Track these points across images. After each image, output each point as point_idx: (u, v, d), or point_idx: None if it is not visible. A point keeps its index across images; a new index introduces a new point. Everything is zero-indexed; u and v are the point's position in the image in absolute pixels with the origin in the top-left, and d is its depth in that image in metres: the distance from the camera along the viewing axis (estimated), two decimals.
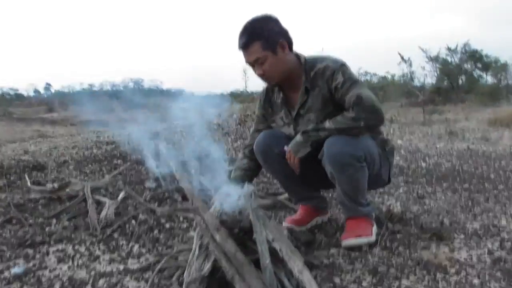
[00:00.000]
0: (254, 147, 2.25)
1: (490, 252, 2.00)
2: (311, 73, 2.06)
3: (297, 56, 2.12)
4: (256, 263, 1.52)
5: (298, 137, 2.04)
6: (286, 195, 2.81)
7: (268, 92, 2.27)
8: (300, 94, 2.09)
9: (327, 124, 1.99)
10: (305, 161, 2.08)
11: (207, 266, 1.52)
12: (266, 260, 1.54)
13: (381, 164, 2.17)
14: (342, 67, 2.02)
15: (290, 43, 2.06)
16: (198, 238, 1.66)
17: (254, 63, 2.03)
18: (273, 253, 1.60)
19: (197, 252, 1.59)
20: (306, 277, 1.48)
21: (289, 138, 2.12)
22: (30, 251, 2.01)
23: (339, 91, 1.99)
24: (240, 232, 1.73)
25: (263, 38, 1.98)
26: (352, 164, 1.96)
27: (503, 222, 2.41)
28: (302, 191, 2.35)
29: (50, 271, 1.81)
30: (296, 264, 1.53)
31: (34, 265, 1.86)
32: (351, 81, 1.98)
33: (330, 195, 2.97)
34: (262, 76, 2.07)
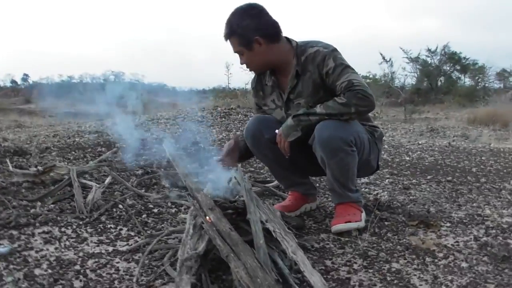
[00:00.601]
0: (244, 131, 2.25)
1: (476, 239, 2.04)
2: (302, 58, 2.06)
3: (289, 40, 2.13)
4: (249, 244, 1.51)
5: (289, 121, 2.05)
6: (274, 183, 2.81)
7: (259, 76, 2.27)
8: (290, 78, 2.11)
9: (318, 109, 2.00)
10: (295, 146, 2.09)
11: (202, 246, 1.50)
12: (260, 240, 1.54)
13: (371, 150, 2.19)
14: (333, 52, 2.02)
15: (271, 36, 2.06)
16: (191, 218, 1.65)
17: (236, 53, 2.10)
18: (265, 235, 1.60)
19: (191, 231, 1.57)
20: (299, 257, 1.49)
21: (281, 123, 2.12)
22: (14, 233, 1.95)
23: (330, 76, 2.00)
24: (233, 213, 1.72)
25: (237, 34, 2.03)
26: (342, 148, 1.97)
27: (487, 211, 2.47)
28: (291, 176, 2.35)
29: (36, 252, 1.76)
30: (289, 244, 1.54)
31: (19, 246, 1.81)
32: (342, 66, 1.99)
33: (318, 184, 2.99)
34: (245, 65, 2.13)
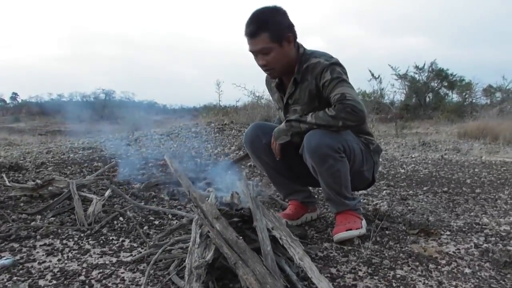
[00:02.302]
0: (243, 138, 2.31)
1: (477, 246, 2.06)
2: (304, 66, 2.09)
3: (298, 46, 2.15)
4: (256, 252, 1.51)
5: (282, 125, 2.11)
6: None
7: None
8: (290, 84, 2.15)
9: (309, 118, 2.03)
10: (292, 154, 2.13)
11: (210, 254, 1.50)
12: (267, 247, 1.54)
13: (364, 161, 2.20)
14: (332, 65, 2.03)
15: (296, 37, 2.10)
16: (197, 227, 1.65)
17: (258, 53, 2.05)
18: (271, 243, 1.60)
19: (198, 240, 1.57)
20: (307, 263, 1.49)
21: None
22: (15, 245, 1.93)
23: (326, 88, 2.03)
24: (239, 221, 1.72)
25: (271, 29, 2.00)
26: (330, 155, 1.99)
27: (485, 220, 2.50)
28: (289, 184, 2.37)
29: (39, 264, 1.74)
30: (296, 251, 1.54)
31: (21, 258, 1.79)
32: (338, 80, 2.00)
33: (316, 196, 3.00)
34: (264, 66, 2.09)
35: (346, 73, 2.06)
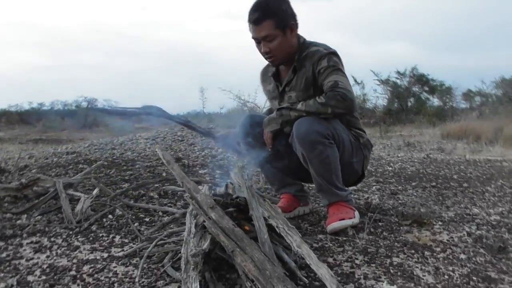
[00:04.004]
0: (237, 128, 2.29)
1: (470, 234, 2.07)
2: (303, 54, 2.11)
3: (298, 37, 2.17)
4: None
5: (273, 113, 2.10)
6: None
7: (268, 66, 2.35)
8: (289, 72, 2.15)
9: (299, 105, 2.03)
10: (283, 146, 2.11)
11: (206, 243, 1.47)
12: (264, 235, 1.52)
13: (353, 153, 2.19)
14: (330, 54, 2.07)
15: (297, 25, 2.13)
16: (192, 218, 1.61)
17: (262, 40, 2.07)
18: (268, 232, 1.58)
19: (193, 230, 1.53)
20: (305, 250, 1.47)
21: None
22: (1, 244, 1.87)
23: (321, 75, 2.05)
24: (234, 211, 1.69)
25: (276, 16, 2.04)
26: (319, 141, 1.98)
27: (475, 211, 2.52)
28: (281, 177, 2.36)
29: (27, 260, 1.69)
30: (294, 239, 1.52)
31: (8, 256, 1.73)
32: (334, 68, 2.03)
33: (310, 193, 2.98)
34: (267, 53, 2.11)
35: (342, 64, 2.09)
